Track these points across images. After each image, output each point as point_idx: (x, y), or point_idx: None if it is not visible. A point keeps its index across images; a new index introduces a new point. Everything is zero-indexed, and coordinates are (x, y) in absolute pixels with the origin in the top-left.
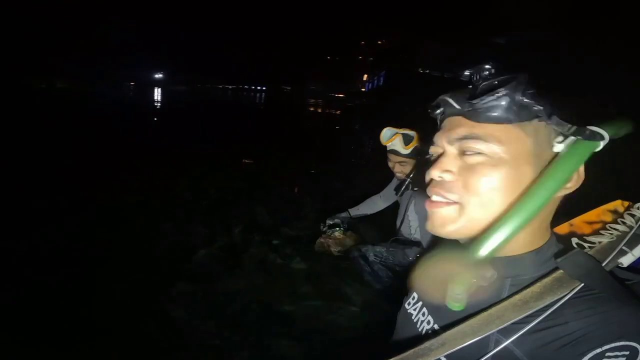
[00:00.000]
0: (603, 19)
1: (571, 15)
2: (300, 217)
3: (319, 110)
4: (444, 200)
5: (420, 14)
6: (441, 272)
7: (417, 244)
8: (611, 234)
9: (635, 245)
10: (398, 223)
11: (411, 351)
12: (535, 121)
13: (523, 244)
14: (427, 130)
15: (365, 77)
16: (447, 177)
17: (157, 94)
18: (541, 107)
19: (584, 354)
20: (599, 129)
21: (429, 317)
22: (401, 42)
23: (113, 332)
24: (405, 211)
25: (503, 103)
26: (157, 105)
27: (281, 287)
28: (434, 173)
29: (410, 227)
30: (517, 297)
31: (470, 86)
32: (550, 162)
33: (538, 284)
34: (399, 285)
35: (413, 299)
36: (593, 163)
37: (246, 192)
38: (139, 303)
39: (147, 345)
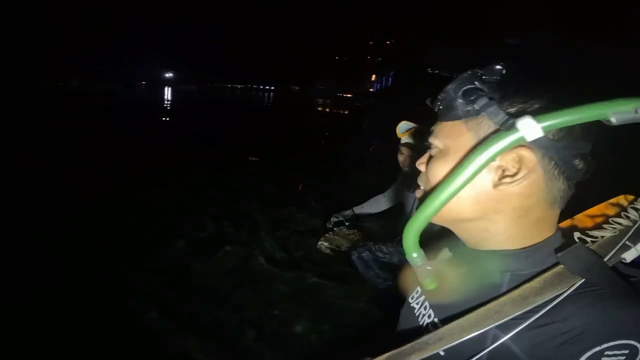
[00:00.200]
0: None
1: (575, 15)
2: (304, 214)
3: (327, 110)
4: (421, 189)
5: (429, 14)
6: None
7: None
8: (614, 228)
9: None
10: (403, 222)
11: (409, 345)
12: (481, 116)
13: (509, 237)
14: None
15: (373, 77)
16: (422, 168)
17: (168, 93)
18: (473, 106)
19: (583, 352)
20: (524, 120)
21: (430, 311)
22: (409, 42)
23: (113, 332)
24: (411, 210)
25: (446, 103)
26: (166, 106)
27: (284, 283)
28: (417, 165)
29: None
30: (516, 292)
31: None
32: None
33: (538, 279)
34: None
35: (417, 292)
36: (596, 161)
37: (252, 189)
38: (139, 303)
39: (147, 346)
